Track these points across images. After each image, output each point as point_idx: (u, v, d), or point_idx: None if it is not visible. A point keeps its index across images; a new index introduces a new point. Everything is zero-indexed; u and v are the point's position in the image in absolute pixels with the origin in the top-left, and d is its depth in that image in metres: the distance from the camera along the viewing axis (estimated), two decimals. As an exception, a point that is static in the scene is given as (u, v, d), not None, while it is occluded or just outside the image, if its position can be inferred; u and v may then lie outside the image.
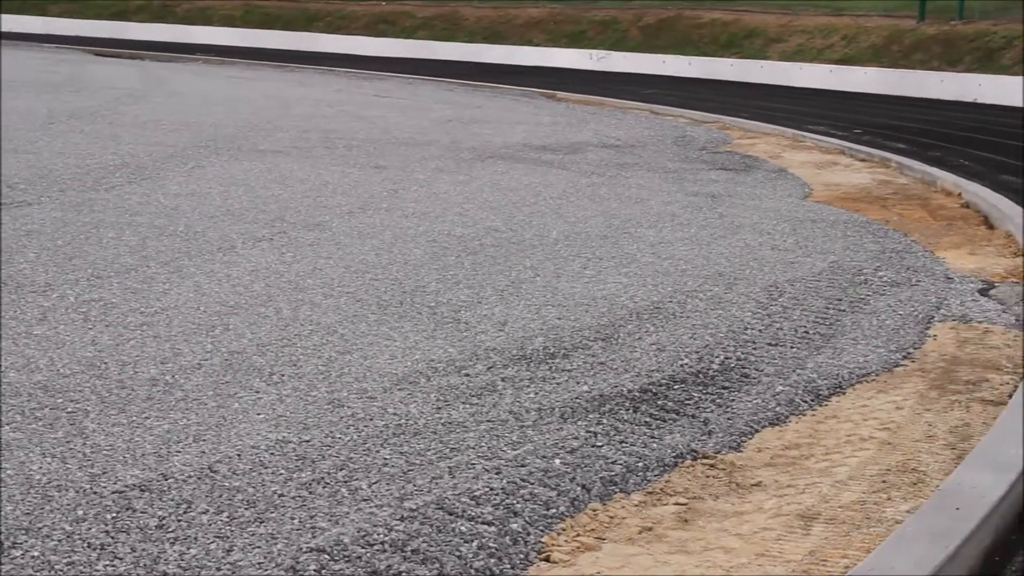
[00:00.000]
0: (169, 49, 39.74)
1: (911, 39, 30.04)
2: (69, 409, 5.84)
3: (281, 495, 4.89)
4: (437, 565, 4.30)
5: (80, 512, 4.68)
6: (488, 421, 5.83)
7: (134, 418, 5.74)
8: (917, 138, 18.99)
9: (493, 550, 4.44)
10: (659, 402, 6.20)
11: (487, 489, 4.98)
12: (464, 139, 18.02)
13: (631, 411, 6.05)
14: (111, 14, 46.61)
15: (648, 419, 5.94)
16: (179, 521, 4.63)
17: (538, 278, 9.00)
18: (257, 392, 6.18)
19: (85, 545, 4.40)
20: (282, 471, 5.14)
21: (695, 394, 6.36)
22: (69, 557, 4.31)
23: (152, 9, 46.66)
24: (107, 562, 4.29)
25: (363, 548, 4.40)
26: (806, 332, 7.65)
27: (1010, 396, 6.24)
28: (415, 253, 9.79)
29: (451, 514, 4.72)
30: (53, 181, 12.74)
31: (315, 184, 13.22)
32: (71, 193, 12.10)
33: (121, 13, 46.69)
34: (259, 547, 4.41)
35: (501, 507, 4.81)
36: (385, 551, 4.39)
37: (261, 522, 4.63)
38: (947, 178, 14.23)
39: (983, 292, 8.87)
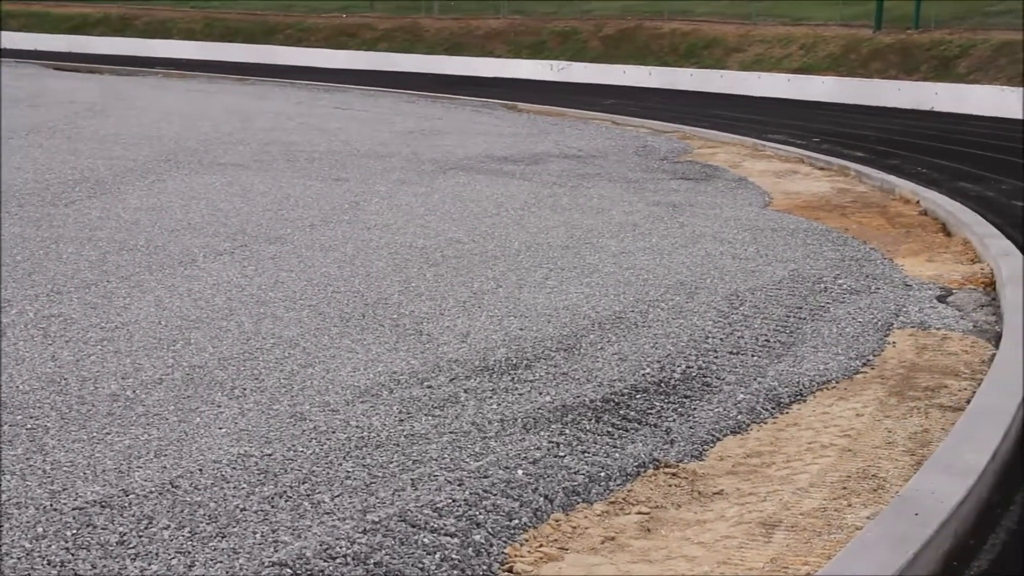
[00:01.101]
0: (129, 63, 39.54)
1: (868, 48, 30.30)
2: (29, 426, 5.80)
3: (243, 509, 4.87)
4: (400, 577, 4.30)
5: (40, 529, 4.65)
6: (451, 433, 5.83)
7: (95, 434, 5.70)
8: (875, 146, 19.14)
9: (456, 562, 4.44)
10: (621, 412, 6.22)
11: (450, 501, 4.98)
12: (425, 151, 18.02)
13: (593, 421, 6.06)
14: (70, 28, 46.34)
15: (610, 429, 5.96)
16: (140, 537, 4.60)
17: (500, 289, 9.00)
18: (219, 406, 6.16)
19: (45, 562, 4.37)
20: (244, 485, 5.12)
21: (657, 403, 6.38)
22: (28, 575, 4.28)
23: (112, 22, 46.43)
24: (68, 579, 4.27)
25: (326, 562, 4.39)
26: (767, 340, 7.69)
27: (968, 402, 6.30)
28: (377, 265, 9.78)
29: (414, 526, 4.72)
30: (12, 196, 12.65)
31: (276, 197, 13.18)
32: (30, 208, 12.01)
33: (80, 27, 46.44)
34: (221, 562, 4.40)
35: (464, 518, 4.81)
36: (348, 564, 4.38)
37: (223, 537, 4.62)
38: (905, 186, 14.36)
39: (941, 299, 8.94)
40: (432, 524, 4.74)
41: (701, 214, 12.68)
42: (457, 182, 14.71)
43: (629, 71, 34.74)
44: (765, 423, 6.15)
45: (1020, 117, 24.84)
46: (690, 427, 6.01)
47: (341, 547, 4.51)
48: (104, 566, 4.35)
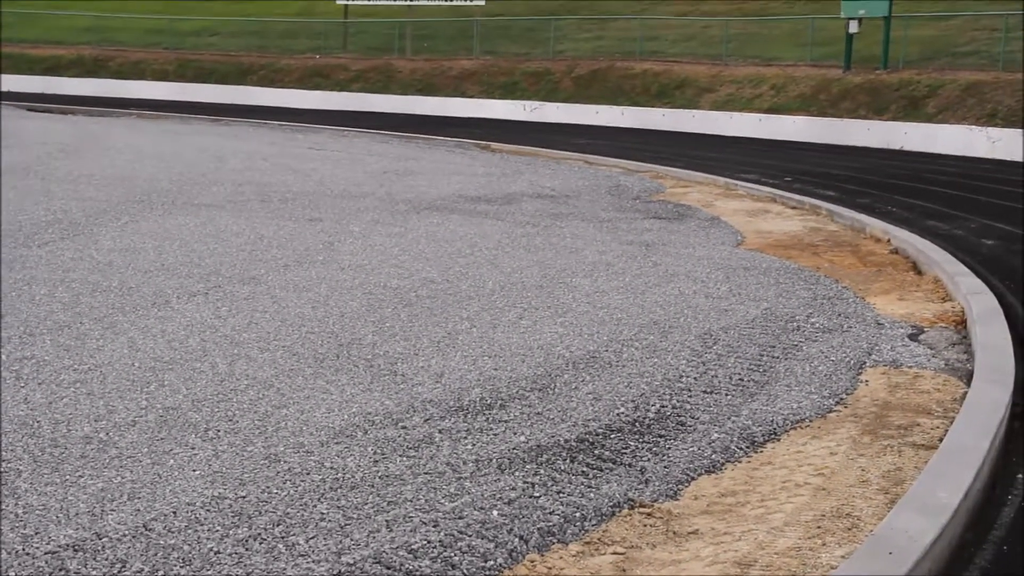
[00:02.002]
0: (102, 104, 39.51)
1: (838, 88, 30.58)
2: (1, 469, 5.76)
3: (217, 552, 4.85)
4: (376, 620, 4.29)
5: (12, 574, 4.61)
6: (425, 473, 5.82)
7: (67, 477, 5.67)
8: (846, 185, 19.29)
9: (432, 603, 4.43)
10: (596, 451, 6.23)
11: (425, 542, 4.97)
12: (399, 191, 18.06)
13: (568, 461, 6.07)
14: (44, 69, 46.28)
15: (585, 468, 5.96)
16: (114, 581, 4.57)
17: (474, 329, 9.02)
18: (192, 448, 6.14)
19: (17, 608, 4.34)
20: (218, 528, 5.10)
21: (631, 443, 6.39)
22: (1, 620, 4.25)
23: (85, 63, 46.41)
24: (40, 624, 4.24)
25: (301, 604, 4.37)
26: (740, 379, 7.72)
27: (941, 440, 6.33)
28: (351, 306, 9.78)
29: (389, 568, 4.71)
30: (-17, 238, 12.61)
31: (250, 238, 13.18)
32: (2, 250, 11.96)
33: (54, 68, 46.39)
34: (195, 606, 4.37)
35: (439, 560, 4.80)
36: (323, 607, 4.36)
37: (197, 580, 4.59)
38: (876, 225, 14.47)
39: (913, 337, 9.00)
40: (407, 566, 4.73)
41: (674, 253, 12.74)
42: (431, 222, 14.74)
43: (602, 111, 34.96)
44: (739, 462, 6.17)
45: (987, 156, 25.10)
46: (665, 466, 6.02)
47: (316, 590, 4.49)
48: (77, 611, 4.32)
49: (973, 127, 26.15)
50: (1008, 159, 24.52)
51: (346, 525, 5.15)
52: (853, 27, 30.45)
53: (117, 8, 51.22)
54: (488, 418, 6.79)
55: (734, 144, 28.60)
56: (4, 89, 43.77)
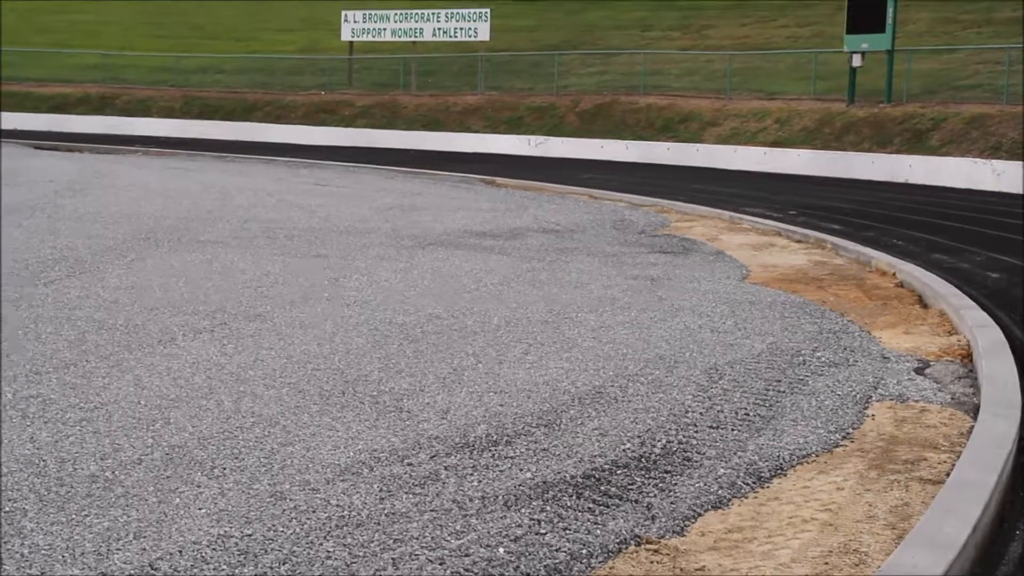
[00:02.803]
0: (109, 141, 39.69)
1: (842, 121, 30.65)
2: (7, 508, 5.76)
3: (223, 591, 4.84)
4: (382, 659, 4.28)
5: (18, 614, 4.61)
6: (431, 511, 5.82)
7: (73, 516, 5.67)
8: (851, 219, 19.31)
9: (438, 642, 4.42)
10: (602, 488, 6.22)
11: (431, 580, 4.96)
12: (405, 226, 18.10)
13: (574, 497, 6.06)
14: (51, 107, 46.51)
15: (591, 505, 5.95)
16: (120, 621, 4.56)
17: (480, 365, 9.02)
18: (198, 486, 6.13)
19: (23, 648, 4.33)
20: (224, 567, 5.09)
21: (638, 479, 6.38)
22: (7, 661, 4.25)
23: (92, 101, 46.63)
24: (46, 665, 4.23)
25: (307, 644, 4.36)
26: (746, 414, 7.72)
27: (948, 475, 6.32)
28: (357, 342, 9.79)
29: (395, 607, 4.70)
30: (-10, 276, 12.64)
31: (256, 274, 13.20)
32: (9, 288, 11.99)
33: (61, 106, 46.62)
34: (201, 645, 4.36)
35: (446, 598, 4.79)
36: (329, 646, 4.35)
37: (203, 620, 4.58)
38: (881, 258, 14.48)
39: (919, 371, 8.99)
40: (414, 604, 4.72)
41: (679, 288, 12.75)
42: (436, 257, 14.77)
43: (606, 145, 35.07)
44: (746, 498, 6.15)
45: (992, 189, 25.12)
46: (671, 502, 6.01)
47: (322, 629, 4.48)
48: (83, 651, 4.31)
49: (977, 160, 26.20)
50: (1012, 191, 24.55)
51: (352, 563, 5.14)
52: (856, 61, 30.57)
53: (123, 46, 51.51)
54: (494, 454, 6.78)
55: (739, 178, 28.65)
56: (11, 127, 43.95)
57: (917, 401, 8.08)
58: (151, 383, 8.32)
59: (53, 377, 8.44)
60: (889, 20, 29.57)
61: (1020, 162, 25.11)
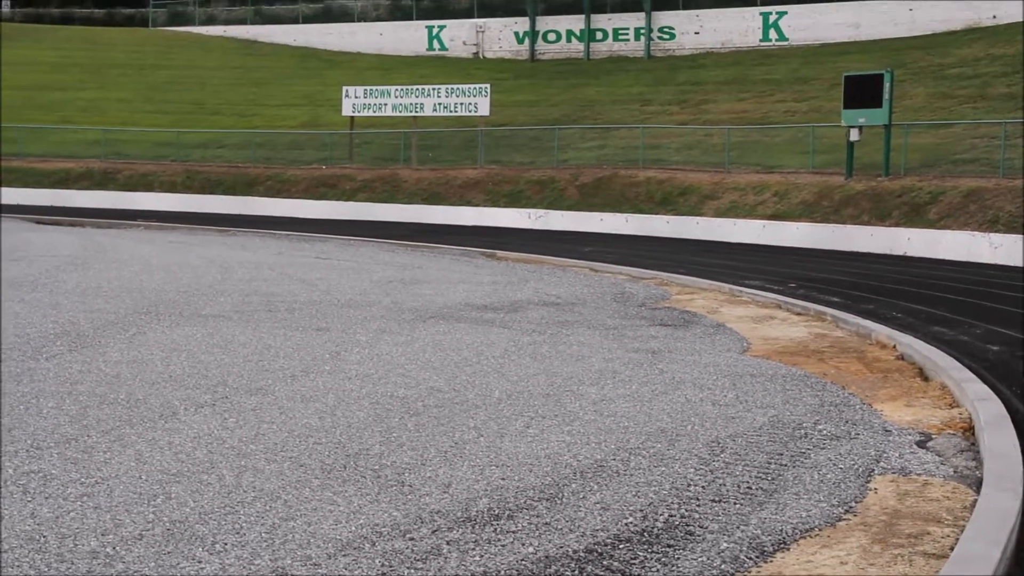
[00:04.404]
0: (111, 215, 39.88)
1: (840, 195, 30.82)
2: (7, 585, 5.74)
3: (225, 668, 4.81)
4: None
5: None
6: (434, 586, 5.79)
7: (74, 592, 5.65)
8: (850, 291, 19.37)
9: None
10: (605, 562, 6.20)
11: (434, 656, 4.93)
12: (406, 300, 18.15)
13: (577, 572, 6.04)
14: (54, 182, 46.75)
15: (594, 580, 5.93)
16: None
17: (481, 438, 9.01)
18: (200, 562, 6.11)
19: None
20: (226, 643, 5.06)
21: (640, 553, 6.36)
22: None
23: (94, 176, 46.86)
24: None
25: None
26: (749, 488, 7.70)
27: (951, 549, 6.30)
28: (358, 415, 9.79)
29: None
30: (-8, 350, 12.65)
31: (257, 348, 13.22)
32: (10, 363, 12.00)
33: (64, 181, 46.84)
34: None
35: (448, 675, 4.76)
36: None
37: None
38: (881, 331, 14.50)
39: (921, 444, 8.98)
40: None
41: (680, 360, 12.76)
42: (437, 331, 14.79)
43: (606, 219, 35.24)
44: (749, 572, 6.13)
45: (990, 262, 25.21)
46: (674, 577, 5.99)
47: None
48: None
49: (975, 233, 26.31)
50: (1010, 264, 24.62)
51: (354, 639, 5.11)
52: (854, 135, 30.79)
53: (125, 122, 51.90)
54: (496, 529, 6.76)
55: (738, 251, 28.77)
56: (14, 202, 44.19)
57: (920, 474, 8.07)
58: (152, 458, 8.31)
59: (54, 452, 8.43)
60: (886, 95, 29.84)
61: (1018, 235, 25.21)
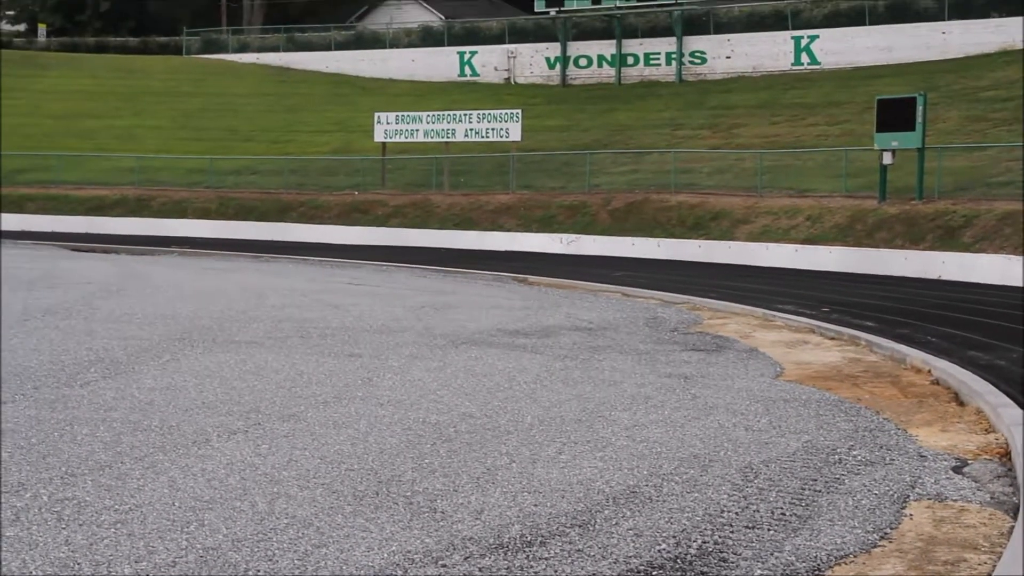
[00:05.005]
0: (145, 242, 40.15)
1: (874, 218, 30.68)
2: (41, 612, 5.76)
3: None
4: None
5: None
6: (466, 614, 5.78)
7: (107, 619, 5.66)
8: (884, 315, 19.26)
9: None
10: (638, 590, 6.17)
11: None
12: (438, 325, 18.17)
13: (610, 600, 6.01)
14: (88, 209, 47.12)
15: (627, 607, 5.90)
16: None
17: (514, 464, 9.00)
18: (232, 589, 6.12)
19: None
20: (258, 671, 5.06)
21: (674, 580, 6.32)
22: None
23: (129, 203, 47.22)
24: None
25: None
26: (783, 514, 7.65)
27: None
28: (390, 442, 9.80)
29: None
30: (27, 378, 12.72)
31: (290, 374, 13.26)
32: (45, 390, 12.08)
33: (98, 208, 47.21)
34: None
35: None
36: None
37: None
38: (916, 355, 14.41)
39: (957, 470, 8.91)
40: None
41: (713, 385, 12.71)
42: (469, 356, 14.79)
43: (638, 243, 35.20)
44: (784, 600, 6.09)
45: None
46: (708, 605, 5.95)
47: None
48: None
49: (1011, 256, 26.10)
50: (1047, 287, 24.42)
51: (386, 667, 5.11)
52: (887, 159, 30.67)
53: (160, 148, 52.32)
54: (528, 555, 6.74)
55: (771, 275, 28.67)
56: (49, 229, 44.62)
57: (956, 500, 8.00)
58: (185, 484, 8.34)
59: (88, 479, 8.47)
60: (919, 119, 29.72)
61: (1054, 258, 25.02)
